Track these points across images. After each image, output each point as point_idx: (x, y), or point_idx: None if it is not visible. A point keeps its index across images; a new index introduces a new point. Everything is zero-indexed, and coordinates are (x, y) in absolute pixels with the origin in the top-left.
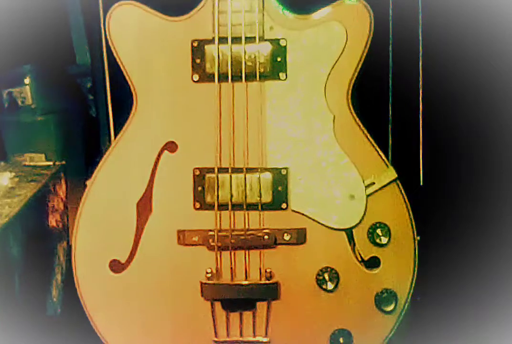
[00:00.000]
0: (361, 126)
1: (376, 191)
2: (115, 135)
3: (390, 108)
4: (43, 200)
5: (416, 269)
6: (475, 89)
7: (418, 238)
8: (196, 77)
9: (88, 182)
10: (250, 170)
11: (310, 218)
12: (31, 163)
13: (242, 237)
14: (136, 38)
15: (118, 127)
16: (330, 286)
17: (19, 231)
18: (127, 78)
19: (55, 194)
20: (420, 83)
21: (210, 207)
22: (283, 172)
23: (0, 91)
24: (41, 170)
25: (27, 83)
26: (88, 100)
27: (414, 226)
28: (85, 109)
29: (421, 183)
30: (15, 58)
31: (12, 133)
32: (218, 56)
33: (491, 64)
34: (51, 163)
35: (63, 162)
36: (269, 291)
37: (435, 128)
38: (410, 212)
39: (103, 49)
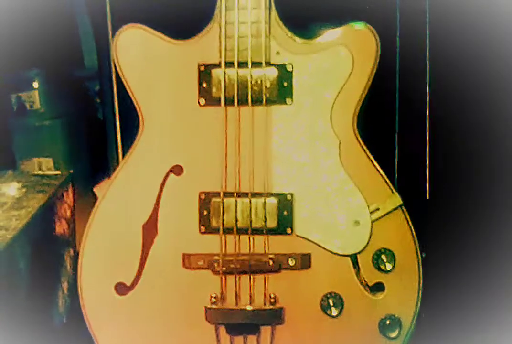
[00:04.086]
0: (367, 151)
1: (381, 217)
2: (122, 140)
3: (396, 133)
4: (50, 207)
5: (420, 294)
6: (480, 110)
7: (424, 255)
8: (202, 101)
9: (95, 189)
10: (255, 195)
11: (314, 243)
12: (39, 172)
13: (247, 262)
14: (143, 61)
15: (126, 130)
16: (334, 311)
17: (25, 241)
18: (133, 99)
19: (62, 202)
20: (427, 106)
21: (215, 231)
22: (288, 197)
23: (9, 95)
24: (49, 179)
25: (36, 87)
26: (95, 103)
27: (419, 252)
28: (93, 112)
29: (427, 196)
30: (23, 62)
31: (20, 137)
32: (225, 80)
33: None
34: (58, 172)
35: (71, 171)
36: (273, 316)
37: (441, 156)
38: (415, 238)
39: (110, 53)
